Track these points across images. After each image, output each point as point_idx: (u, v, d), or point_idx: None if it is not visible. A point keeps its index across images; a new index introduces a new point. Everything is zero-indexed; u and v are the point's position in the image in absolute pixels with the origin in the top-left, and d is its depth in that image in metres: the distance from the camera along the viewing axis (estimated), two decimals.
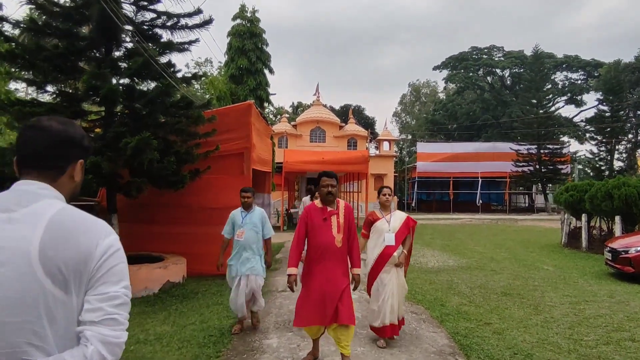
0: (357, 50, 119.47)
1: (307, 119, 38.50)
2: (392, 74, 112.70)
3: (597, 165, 38.53)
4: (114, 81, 6.94)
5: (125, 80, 7.35)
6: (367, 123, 55.21)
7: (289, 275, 4.00)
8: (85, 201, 8.89)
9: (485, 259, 11.43)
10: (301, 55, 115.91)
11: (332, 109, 47.85)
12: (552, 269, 10.06)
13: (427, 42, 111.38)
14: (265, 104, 22.74)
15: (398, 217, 5.05)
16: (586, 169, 67.39)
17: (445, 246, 14.28)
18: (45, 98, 7.34)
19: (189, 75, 8.30)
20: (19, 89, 16.36)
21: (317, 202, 4.27)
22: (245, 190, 5.50)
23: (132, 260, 7.75)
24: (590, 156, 39.53)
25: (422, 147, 44.07)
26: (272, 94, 22.66)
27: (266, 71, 22.31)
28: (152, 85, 7.53)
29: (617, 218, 11.27)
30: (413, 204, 42.29)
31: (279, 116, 42.78)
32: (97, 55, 7.24)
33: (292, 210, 23.36)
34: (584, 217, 12.81)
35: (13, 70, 6.84)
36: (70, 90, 7.42)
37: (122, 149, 6.42)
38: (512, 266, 10.38)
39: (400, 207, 42.35)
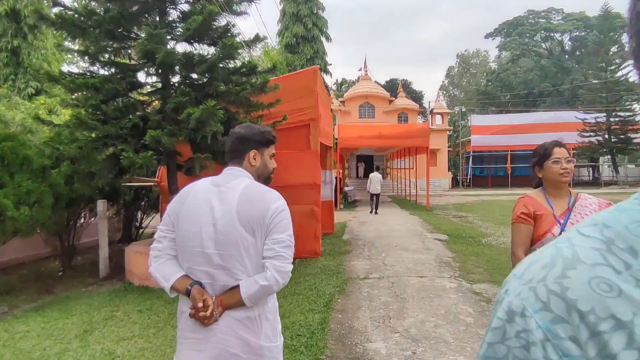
0: (398, 24, 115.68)
1: (355, 94, 37.18)
2: (436, 47, 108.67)
3: None
4: (171, 46, 6.20)
5: (183, 47, 6.62)
6: (415, 97, 53.04)
7: None
8: (143, 182, 8.38)
9: None
10: (341, 32, 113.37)
11: (377, 84, 46.22)
12: None
13: (470, 12, 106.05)
14: (324, 74, 21.47)
15: (585, 209, 2.41)
16: None
17: None
18: (98, 69, 6.71)
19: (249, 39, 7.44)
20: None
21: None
22: None
23: None
24: None
25: (476, 120, 41.69)
26: (329, 64, 21.38)
27: (323, 38, 21.00)
28: (212, 51, 6.73)
29: None
30: (468, 180, 40.39)
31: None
32: (151, 20, 6.52)
33: (346, 189, 22.50)
34: None
35: (63, 39, 6.22)
36: (125, 60, 6.77)
37: (184, 121, 5.71)
38: None
39: (455, 183, 40.62)
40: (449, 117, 41.35)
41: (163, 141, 5.52)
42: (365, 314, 4.64)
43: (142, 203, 9.40)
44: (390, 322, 4.35)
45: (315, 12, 20.39)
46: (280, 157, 7.82)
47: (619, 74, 38.02)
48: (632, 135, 34.97)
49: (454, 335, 4.01)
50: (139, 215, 9.61)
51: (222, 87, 6.40)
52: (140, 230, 9.71)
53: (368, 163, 35.95)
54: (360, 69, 39.94)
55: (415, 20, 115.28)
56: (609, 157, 37.19)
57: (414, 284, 5.85)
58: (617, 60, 39.01)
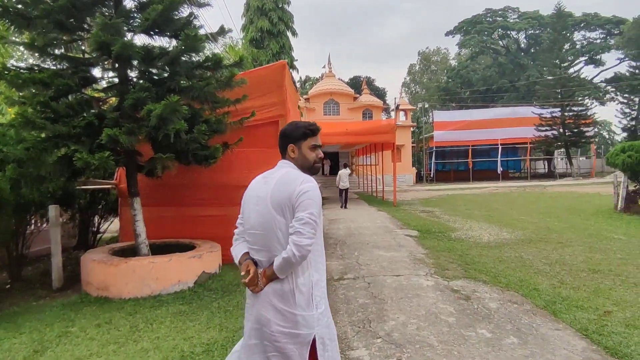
0: (361, 23, 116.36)
1: (319, 91, 37.02)
2: (398, 45, 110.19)
3: (630, 126, 36.79)
4: (129, 38, 5.76)
5: (142, 40, 6.19)
6: (379, 94, 53.42)
7: None
8: (100, 184, 7.87)
9: (542, 230, 10.31)
10: (304, 30, 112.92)
11: (341, 81, 46.18)
12: (625, 238, 8.93)
13: (431, 10, 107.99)
14: (291, 70, 21.01)
15: None
16: (602, 132, 65.57)
17: (489, 217, 13.15)
18: (48, 64, 6.18)
19: (214, 32, 7.05)
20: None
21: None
22: None
23: (161, 250, 6.75)
24: (621, 116, 37.74)
25: (438, 116, 42.38)
26: (295, 60, 20.93)
27: (289, 33, 20.51)
28: (174, 44, 6.32)
29: None
30: (431, 175, 41.02)
31: None
32: (106, 9, 6.05)
33: None
34: None
35: (6, 30, 5.66)
36: (77, 54, 6.27)
37: (144, 119, 5.31)
38: (576, 237, 9.25)
39: (418, 178, 41.17)
40: (412, 113, 41.83)
41: (121, 140, 5.11)
42: (344, 319, 4.43)
43: (100, 207, 8.83)
44: (371, 327, 4.16)
45: (280, 6, 19.92)
46: (248, 155, 7.51)
47: (572, 70, 39.54)
48: (585, 129, 36.44)
49: (438, 337, 3.85)
50: (97, 220, 9.04)
51: (185, 82, 6.04)
52: (98, 236, 9.15)
53: (334, 160, 35.90)
54: (324, 66, 40.00)
55: (377, 18, 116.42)
56: (563, 150, 38.60)
57: (391, 283, 5.69)
58: (569, 57, 40.59)
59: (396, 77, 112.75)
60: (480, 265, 6.78)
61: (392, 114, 38.08)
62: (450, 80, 58.10)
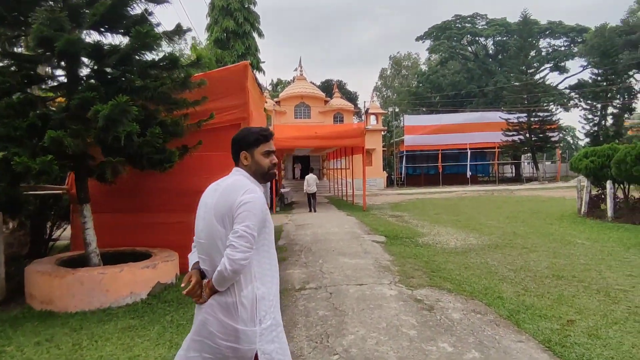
0: (333, 27, 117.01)
1: (290, 94, 36.80)
2: (371, 49, 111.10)
3: (592, 132, 37.99)
4: (77, 34, 5.40)
5: (91, 36, 5.83)
6: (350, 98, 53.57)
7: None
8: (49, 189, 7.41)
9: (507, 235, 10.37)
10: (276, 33, 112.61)
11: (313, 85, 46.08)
12: (588, 243, 9.03)
13: (402, 16, 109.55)
14: (256, 72, 20.58)
15: None
16: (567, 137, 67.66)
17: (456, 222, 13.19)
18: None
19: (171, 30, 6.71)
20: None
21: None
22: None
23: (115, 259, 6.38)
24: (584, 122, 38.93)
25: (409, 120, 42.81)
26: (262, 62, 20.52)
27: (255, 34, 20.09)
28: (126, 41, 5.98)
29: None
30: (402, 179, 41.32)
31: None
32: (54, 4, 5.66)
33: (282, 191, 22.02)
34: (609, 184, 11.80)
35: None
36: (21, 51, 5.86)
37: (92, 120, 4.97)
38: (542, 242, 9.32)
39: (389, 182, 41.38)
40: (383, 117, 42.07)
41: (65, 143, 4.76)
42: (302, 333, 4.20)
43: (52, 213, 8.33)
44: (328, 342, 3.94)
45: (246, 6, 19.46)
46: (208, 160, 7.20)
47: (537, 76, 40.60)
48: (550, 134, 37.44)
49: (398, 353, 3.67)
50: (49, 227, 8.53)
51: (138, 82, 5.71)
52: (51, 244, 8.64)
53: (305, 164, 35.71)
54: (295, 69, 39.65)
55: (348, 23, 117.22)
56: (530, 154, 39.53)
57: (353, 293, 5.50)
58: (535, 64, 41.65)
59: (368, 81, 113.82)
60: (445, 273, 6.69)
61: (364, 117, 38.15)
62: (420, 84, 58.81)
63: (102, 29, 5.65)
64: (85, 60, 5.69)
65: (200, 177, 6.90)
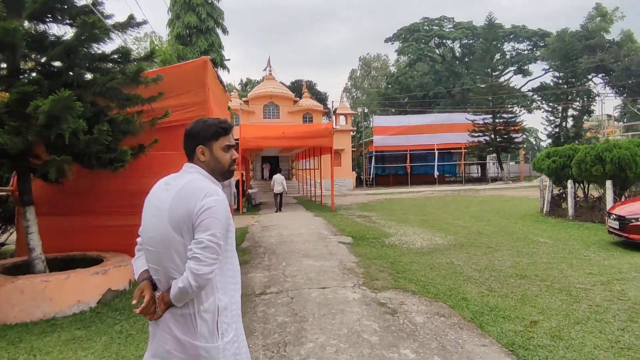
0: (301, 28, 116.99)
1: (259, 94, 36.37)
2: (339, 51, 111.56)
3: (554, 133, 39.13)
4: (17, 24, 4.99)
5: (35, 26, 5.42)
6: (320, 98, 53.46)
7: None
8: None
9: (473, 234, 10.41)
10: (244, 34, 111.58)
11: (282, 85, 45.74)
12: (550, 242, 9.14)
13: (370, 18, 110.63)
14: (220, 70, 20.00)
15: None
16: (530, 138, 69.66)
17: (423, 222, 13.21)
18: None
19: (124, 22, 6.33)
20: None
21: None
22: None
23: (64, 264, 5.99)
24: (546, 123, 40.07)
25: (378, 121, 43.07)
26: (226, 60, 19.96)
27: (219, 30, 19.52)
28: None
29: (609, 183, 10.51)
30: (371, 179, 41.50)
31: (230, 93, 39.73)
32: None
33: (250, 191, 21.68)
34: (569, 183, 12.04)
35: None
36: None
37: (33, 117, 4.60)
38: (506, 241, 9.38)
39: (358, 183, 41.49)
40: (352, 118, 42.16)
41: (1, 141, 4.38)
42: (258, 342, 3.97)
43: None
44: (286, 351, 3.73)
45: (209, 1, 18.89)
46: (166, 159, 6.87)
47: (502, 79, 41.60)
48: (514, 135, 38.37)
49: None
50: None
51: (86, 76, 5.36)
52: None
53: (274, 164, 35.38)
54: (265, 69, 39.18)
55: (318, 24, 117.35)
56: (495, 155, 40.40)
57: (315, 297, 5.30)
58: (500, 67, 42.65)
59: (338, 82, 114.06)
60: (410, 274, 6.58)
61: (333, 118, 38.13)
62: (389, 86, 59.31)
63: (47, 19, 5.25)
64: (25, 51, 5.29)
65: (158, 178, 6.58)
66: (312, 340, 3.95)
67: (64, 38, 5.09)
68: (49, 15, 5.22)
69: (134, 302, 1.84)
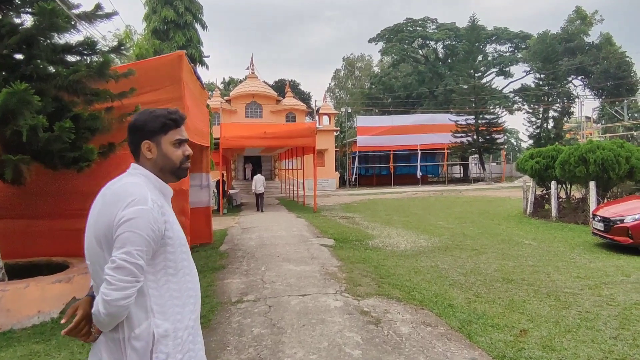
0: (284, 28, 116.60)
1: (241, 92, 35.89)
2: (323, 51, 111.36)
3: (535, 134, 39.52)
4: None
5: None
6: (303, 98, 53.09)
7: None
8: None
9: (457, 236, 10.24)
10: (228, 33, 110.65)
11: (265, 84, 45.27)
12: (535, 244, 9.02)
13: (354, 19, 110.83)
14: (199, 67, 19.39)
15: None
16: (511, 139, 70.47)
17: (407, 223, 13.02)
18: None
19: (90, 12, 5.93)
20: None
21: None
22: None
23: (26, 271, 5.59)
24: (528, 124, 40.45)
25: (361, 121, 42.98)
26: (206, 56, 19.41)
27: (197, 26, 18.91)
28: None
29: (592, 184, 10.45)
30: (354, 180, 41.36)
31: (211, 92, 39.11)
32: None
33: (231, 192, 21.26)
34: (553, 184, 11.99)
35: None
36: None
37: None
38: (490, 243, 9.23)
39: (342, 183, 41.30)
40: (335, 118, 41.95)
41: None
42: (232, 357, 3.65)
43: None
44: None
45: None
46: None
47: (484, 80, 41.87)
48: (496, 136, 38.65)
49: None
50: None
51: (47, 68, 4.97)
52: None
53: (256, 164, 34.95)
54: (247, 68, 38.67)
55: (301, 24, 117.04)
56: (477, 156, 40.65)
57: (295, 305, 5.00)
58: (482, 68, 42.89)
59: (321, 82, 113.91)
60: (395, 278, 6.34)
61: (317, 117, 37.86)
62: (373, 86, 59.28)
63: (2, 6, 4.85)
64: None
65: None
66: (290, 355, 3.64)
67: (21, 27, 4.68)
68: (5, 2, 4.81)
69: (63, 321, 1.60)
